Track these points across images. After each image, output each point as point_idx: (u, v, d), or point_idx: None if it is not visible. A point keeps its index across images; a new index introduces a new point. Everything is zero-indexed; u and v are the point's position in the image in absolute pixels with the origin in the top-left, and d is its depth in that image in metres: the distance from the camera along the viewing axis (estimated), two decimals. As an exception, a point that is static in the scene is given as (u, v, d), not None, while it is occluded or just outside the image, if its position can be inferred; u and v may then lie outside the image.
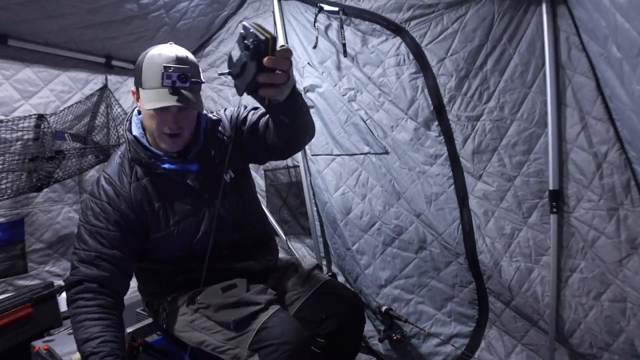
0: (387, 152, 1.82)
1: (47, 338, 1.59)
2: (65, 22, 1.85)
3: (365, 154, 1.88)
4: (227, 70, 0.90)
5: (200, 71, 1.17)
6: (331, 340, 1.25)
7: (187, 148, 1.22)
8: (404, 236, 1.85)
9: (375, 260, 1.92)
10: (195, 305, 1.19)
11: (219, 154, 1.27)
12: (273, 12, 2.03)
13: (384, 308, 1.86)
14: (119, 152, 1.24)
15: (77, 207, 2.23)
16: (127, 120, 1.23)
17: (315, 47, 1.90)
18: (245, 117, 1.29)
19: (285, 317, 1.10)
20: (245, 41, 0.81)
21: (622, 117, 1.27)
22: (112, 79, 2.31)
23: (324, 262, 2.21)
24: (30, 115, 1.90)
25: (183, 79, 1.04)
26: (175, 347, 1.26)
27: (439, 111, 1.66)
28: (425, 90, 1.67)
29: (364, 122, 1.85)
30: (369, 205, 1.90)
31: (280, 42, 1.99)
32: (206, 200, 1.23)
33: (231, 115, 1.33)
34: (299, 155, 2.08)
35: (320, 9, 1.84)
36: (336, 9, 1.79)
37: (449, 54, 1.59)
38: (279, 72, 0.85)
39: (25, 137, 1.88)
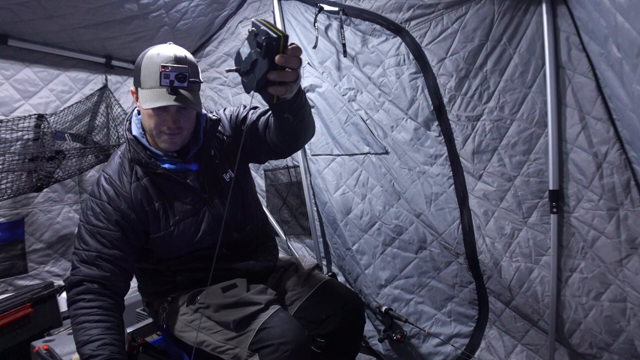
0: (387, 152, 1.82)
1: (47, 338, 1.59)
2: (65, 22, 1.85)
3: (365, 154, 1.88)
4: (234, 67, 0.91)
5: (200, 71, 1.17)
6: (331, 340, 1.25)
7: (186, 148, 1.22)
8: (404, 236, 1.85)
9: (375, 260, 1.92)
10: (195, 305, 1.19)
11: (218, 154, 1.27)
12: (273, 12, 2.03)
13: (384, 308, 1.86)
14: (119, 152, 1.24)
15: (77, 207, 2.23)
16: (127, 121, 1.23)
17: (315, 47, 1.90)
18: (245, 117, 1.29)
19: (286, 317, 1.10)
20: (257, 39, 0.81)
21: (622, 117, 1.27)
22: (112, 79, 2.31)
23: (324, 262, 2.21)
24: (30, 115, 1.90)
25: (181, 79, 1.04)
26: (175, 347, 1.26)
27: (439, 111, 1.66)
28: (425, 90, 1.67)
29: (364, 122, 1.85)
30: (369, 205, 1.90)
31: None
32: (206, 200, 1.23)
33: (231, 115, 1.33)
34: (299, 155, 2.08)
35: (320, 9, 1.84)
36: (336, 9, 1.79)
37: (449, 54, 1.59)
38: (289, 69, 0.85)
39: (25, 137, 1.89)
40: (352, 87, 1.86)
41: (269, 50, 0.80)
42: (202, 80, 1.15)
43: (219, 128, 1.29)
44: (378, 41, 1.74)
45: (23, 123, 1.87)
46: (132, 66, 1.16)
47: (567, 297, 1.52)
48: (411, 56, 1.67)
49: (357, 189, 1.93)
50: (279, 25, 2.01)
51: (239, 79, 0.91)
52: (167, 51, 1.09)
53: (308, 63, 1.96)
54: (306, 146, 2.03)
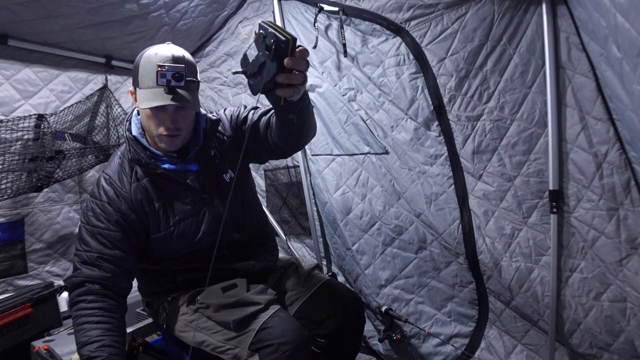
0: (387, 152, 1.82)
1: (47, 338, 1.59)
2: (65, 22, 1.85)
3: (365, 154, 1.88)
4: (240, 70, 0.90)
5: (198, 71, 1.17)
6: (331, 340, 1.25)
7: (186, 148, 1.22)
8: (404, 236, 1.85)
9: (375, 260, 1.92)
10: (196, 305, 1.19)
11: (219, 154, 1.27)
12: (273, 12, 2.03)
13: (384, 308, 1.86)
14: (119, 153, 1.24)
15: (77, 207, 2.23)
16: (126, 121, 1.23)
17: (315, 47, 1.90)
18: (246, 117, 1.29)
19: (286, 317, 1.10)
20: (266, 41, 0.81)
21: (622, 117, 1.27)
22: (112, 79, 2.31)
23: (324, 262, 2.21)
24: (30, 115, 1.90)
25: (178, 78, 1.04)
26: (175, 347, 1.26)
27: (439, 111, 1.66)
28: (425, 90, 1.67)
29: (364, 122, 1.85)
30: (369, 205, 1.90)
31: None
32: (206, 200, 1.23)
33: (231, 115, 1.33)
34: (299, 155, 2.08)
35: (320, 9, 1.84)
36: (336, 9, 1.79)
37: (449, 54, 1.59)
38: (297, 72, 0.85)
39: (25, 137, 1.89)
40: (352, 87, 1.86)
41: (277, 53, 0.80)
42: (200, 80, 1.15)
43: (219, 128, 1.29)
44: (378, 41, 1.74)
45: (23, 123, 1.87)
46: (132, 66, 1.16)
47: (567, 297, 1.52)
48: (411, 56, 1.67)
49: (357, 189, 1.93)
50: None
51: (239, 79, 0.91)
52: (164, 51, 1.09)
53: (308, 63, 1.96)
54: (306, 146, 2.03)
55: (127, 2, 1.83)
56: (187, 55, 1.13)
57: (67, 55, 2.08)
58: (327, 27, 1.87)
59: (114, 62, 2.25)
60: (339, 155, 1.96)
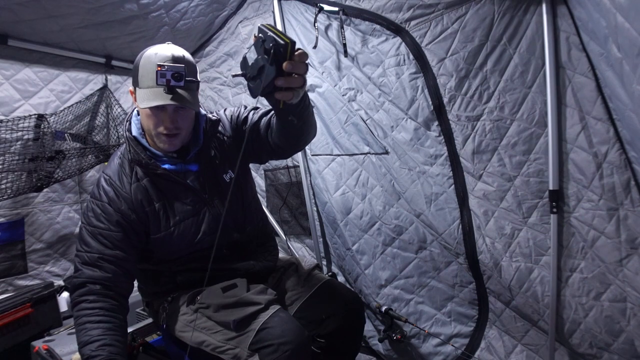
0: (387, 152, 1.82)
1: (47, 338, 1.59)
2: (65, 22, 1.85)
3: (365, 154, 1.88)
4: (240, 72, 0.91)
5: (197, 71, 1.17)
6: (331, 340, 1.25)
7: (186, 148, 1.22)
8: (404, 236, 1.85)
9: (375, 260, 1.92)
10: (196, 305, 1.19)
11: (219, 154, 1.27)
12: (273, 12, 2.03)
13: (384, 308, 1.86)
14: (119, 153, 1.24)
15: (77, 207, 2.23)
16: (126, 121, 1.23)
17: (315, 47, 1.90)
18: (246, 117, 1.29)
19: (286, 317, 1.10)
20: (265, 45, 0.81)
21: (622, 117, 1.27)
22: (112, 79, 2.31)
23: (324, 262, 2.21)
24: (30, 115, 1.90)
25: (177, 78, 1.04)
26: (175, 347, 1.26)
27: (439, 111, 1.66)
28: (425, 90, 1.67)
29: (364, 122, 1.85)
30: (369, 205, 1.90)
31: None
32: (206, 201, 1.23)
33: (231, 116, 1.33)
34: (299, 155, 2.08)
35: (320, 9, 1.84)
36: (336, 9, 1.79)
37: (449, 54, 1.59)
38: (296, 75, 0.85)
39: (25, 137, 1.89)
40: (352, 87, 1.86)
41: (276, 57, 0.81)
42: (200, 80, 1.15)
43: (219, 128, 1.29)
44: (378, 41, 1.74)
45: (23, 123, 1.87)
46: (132, 66, 1.16)
47: (567, 297, 1.52)
48: (411, 56, 1.67)
49: (357, 189, 1.93)
50: (279, 26, 2.01)
51: (239, 79, 0.91)
52: (164, 51, 1.09)
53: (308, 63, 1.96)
54: (306, 146, 2.03)
55: (127, 2, 1.83)
56: (187, 55, 1.13)
57: (67, 55, 2.08)
58: (327, 27, 1.87)
59: (114, 62, 2.25)
60: (339, 155, 1.96)
